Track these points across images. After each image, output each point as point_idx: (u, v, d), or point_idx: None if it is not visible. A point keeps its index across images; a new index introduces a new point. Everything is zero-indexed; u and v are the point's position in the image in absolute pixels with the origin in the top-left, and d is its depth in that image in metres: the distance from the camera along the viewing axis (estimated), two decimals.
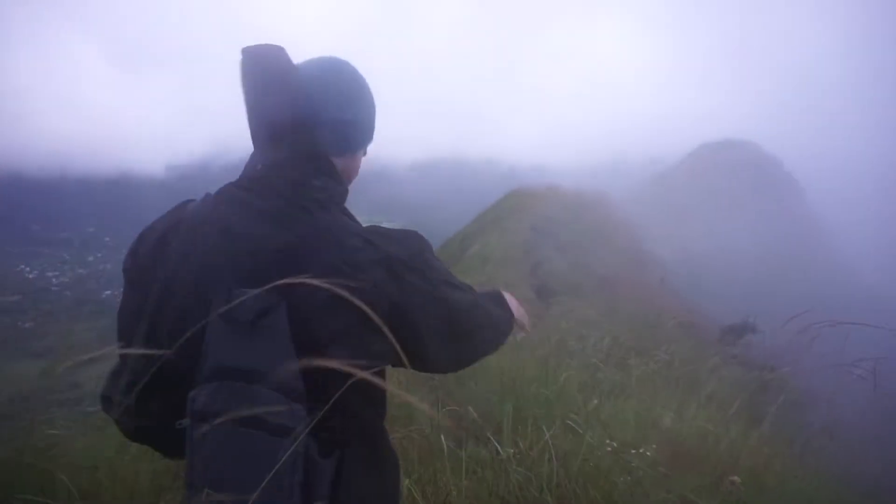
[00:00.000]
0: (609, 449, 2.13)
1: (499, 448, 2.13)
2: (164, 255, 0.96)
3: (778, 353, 3.11)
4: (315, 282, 0.79)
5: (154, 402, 0.95)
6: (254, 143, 1.02)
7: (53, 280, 63.30)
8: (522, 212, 21.73)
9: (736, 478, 2.27)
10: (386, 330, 0.77)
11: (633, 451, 2.19)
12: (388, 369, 1.05)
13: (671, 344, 5.80)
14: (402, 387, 3.50)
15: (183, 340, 0.84)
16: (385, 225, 1.07)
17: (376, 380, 0.73)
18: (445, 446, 2.14)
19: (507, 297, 1.35)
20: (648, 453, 2.18)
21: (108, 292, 58.81)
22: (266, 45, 0.97)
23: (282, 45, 0.98)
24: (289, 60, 1.00)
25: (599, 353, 5.20)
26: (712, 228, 39.36)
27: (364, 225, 1.00)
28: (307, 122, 1.00)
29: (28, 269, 66.62)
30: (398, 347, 0.78)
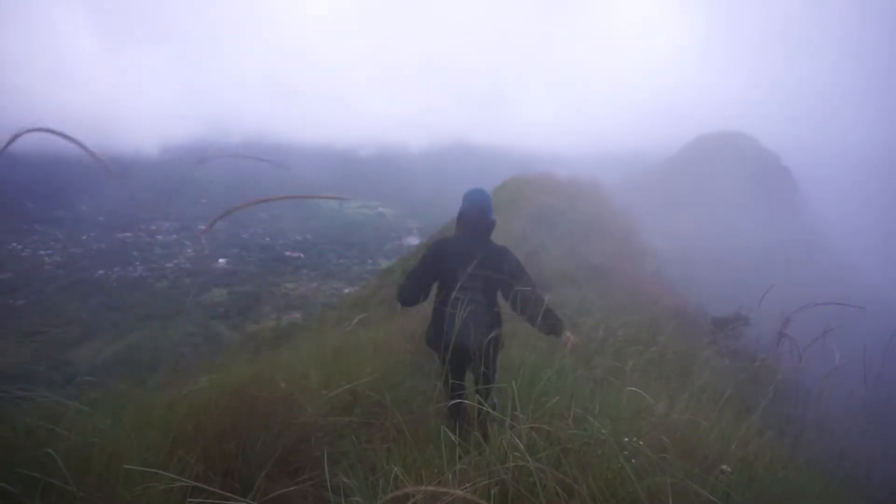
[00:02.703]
0: (602, 436, 2.15)
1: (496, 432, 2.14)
2: (445, 248, 3.56)
3: (769, 344, 3.12)
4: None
5: (427, 284, 3.55)
6: (466, 220, 3.56)
7: (46, 258, 62.85)
8: (519, 199, 21.70)
9: (726, 467, 2.29)
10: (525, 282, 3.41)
11: (626, 439, 2.21)
12: None
13: (664, 334, 5.84)
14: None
15: (452, 276, 3.24)
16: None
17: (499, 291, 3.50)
18: (441, 430, 2.15)
19: (568, 331, 3.41)
20: (641, 441, 2.20)
21: (102, 272, 58.46)
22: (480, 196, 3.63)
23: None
24: (487, 200, 3.63)
25: (594, 343, 5.22)
26: (707, 220, 39.45)
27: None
28: (487, 213, 3.55)
29: (21, 246, 66.14)
30: (529, 291, 3.34)
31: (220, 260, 65.08)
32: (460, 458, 2.06)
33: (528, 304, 3.30)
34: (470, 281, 3.17)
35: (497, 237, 3.63)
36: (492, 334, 3.16)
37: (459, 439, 2.27)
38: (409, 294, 3.53)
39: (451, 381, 3.27)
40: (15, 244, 66.99)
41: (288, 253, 70.76)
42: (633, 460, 2.08)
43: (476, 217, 3.50)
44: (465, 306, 2.96)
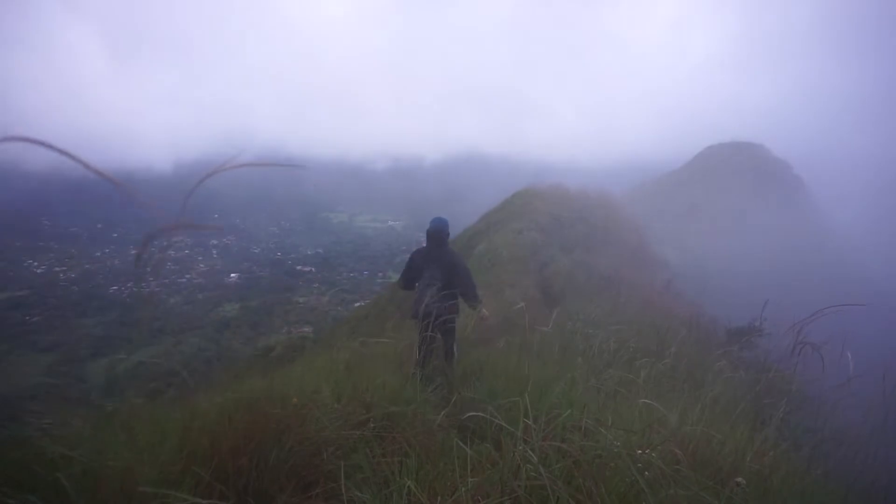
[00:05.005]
0: (615, 449, 2.13)
1: (509, 445, 2.13)
2: (419, 253, 5.79)
3: (784, 356, 3.09)
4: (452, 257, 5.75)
5: (410, 277, 5.81)
6: (431, 235, 5.73)
7: (61, 275, 63.50)
8: (529, 211, 21.67)
9: (741, 479, 2.27)
10: (461, 272, 5.66)
11: (639, 452, 2.20)
12: None
13: (677, 346, 5.79)
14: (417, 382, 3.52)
15: (422, 271, 5.62)
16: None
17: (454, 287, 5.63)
18: (454, 444, 2.15)
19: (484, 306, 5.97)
20: (654, 454, 2.18)
21: (115, 287, 58.96)
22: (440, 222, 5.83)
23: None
24: (444, 223, 5.84)
25: (605, 354, 5.19)
26: (718, 230, 39.18)
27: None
28: (445, 233, 5.74)
29: (36, 263, 66.91)
30: (462, 277, 5.64)
31: (232, 275, 65.42)
32: (473, 471, 2.05)
33: (465, 288, 5.61)
34: (434, 272, 5.49)
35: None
36: (452, 304, 5.44)
37: (423, 373, 4.20)
38: (403, 282, 5.92)
39: (423, 334, 4.98)
40: (31, 261, 67.80)
41: (299, 267, 71.01)
42: (646, 473, 2.06)
43: (436, 233, 5.70)
44: (432, 287, 5.17)
